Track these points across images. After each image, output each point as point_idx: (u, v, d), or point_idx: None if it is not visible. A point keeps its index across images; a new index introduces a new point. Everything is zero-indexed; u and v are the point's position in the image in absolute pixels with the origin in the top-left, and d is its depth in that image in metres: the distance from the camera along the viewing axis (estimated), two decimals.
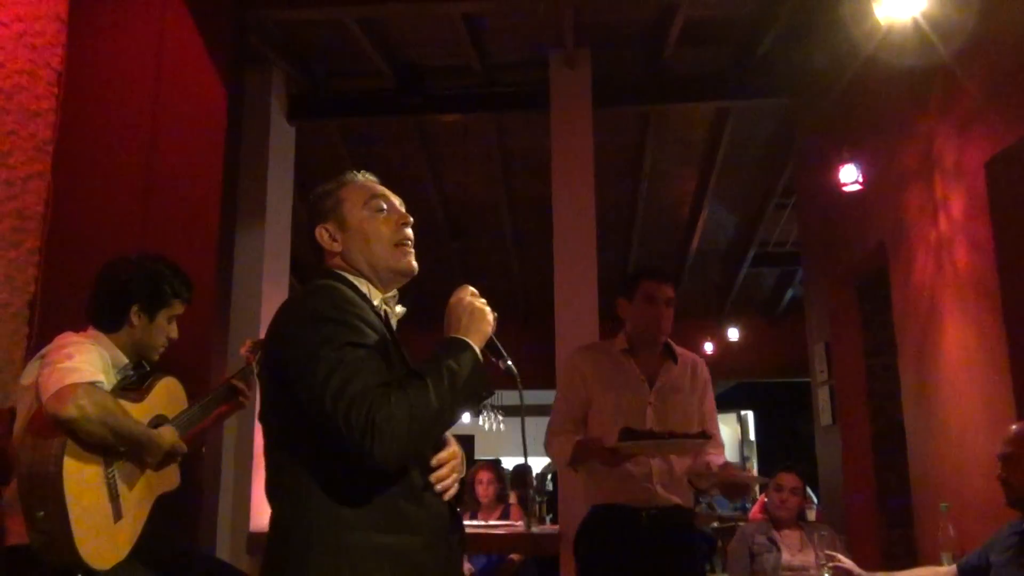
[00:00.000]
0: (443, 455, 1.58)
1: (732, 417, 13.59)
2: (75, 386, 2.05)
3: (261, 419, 1.59)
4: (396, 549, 1.46)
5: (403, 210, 1.71)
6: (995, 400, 3.21)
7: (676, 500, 2.68)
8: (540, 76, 5.08)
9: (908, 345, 4.06)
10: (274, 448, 1.54)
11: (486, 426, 11.90)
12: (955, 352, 3.56)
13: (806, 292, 5.82)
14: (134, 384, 2.34)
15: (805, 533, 3.61)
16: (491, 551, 5.16)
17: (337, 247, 1.66)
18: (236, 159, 3.69)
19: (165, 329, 2.41)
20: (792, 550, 3.57)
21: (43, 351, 2.23)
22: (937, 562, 2.88)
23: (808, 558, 3.44)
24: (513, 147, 6.33)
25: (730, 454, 9.95)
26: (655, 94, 5.39)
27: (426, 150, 6.31)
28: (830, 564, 2.78)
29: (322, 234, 1.67)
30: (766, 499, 3.80)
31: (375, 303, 1.63)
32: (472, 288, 1.62)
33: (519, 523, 5.07)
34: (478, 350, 1.53)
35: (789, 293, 9.55)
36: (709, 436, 2.54)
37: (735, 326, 9.61)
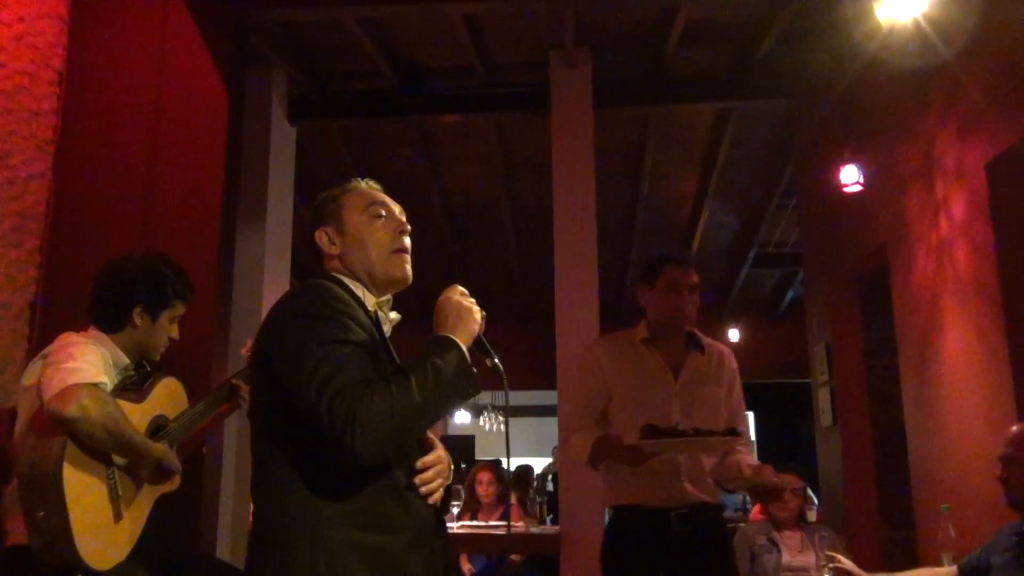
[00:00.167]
0: (429, 458, 1.59)
1: None
2: (78, 386, 2.05)
3: (249, 413, 1.61)
4: (376, 547, 1.47)
5: (403, 219, 1.73)
6: (996, 401, 3.21)
7: (705, 497, 2.50)
8: (541, 77, 5.08)
9: (909, 346, 4.06)
10: (259, 442, 1.56)
11: (487, 427, 11.91)
12: (956, 353, 3.56)
13: (807, 293, 5.82)
14: (135, 384, 2.34)
15: (805, 534, 3.61)
16: (491, 551, 5.16)
17: (335, 250, 1.68)
18: (237, 159, 3.69)
19: (167, 329, 2.41)
20: (792, 551, 3.57)
21: (45, 351, 2.23)
22: (937, 563, 2.87)
23: (808, 559, 3.44)
24: (514, 147, 6.33)
25: None
26: (656, 95, 5.39)
27: (427, 150, 6.32)
28: (830, 565, 2.77)
29: (321, 237, 1.70)
30: None
31: (368, 307, 1.65)
32: (461, 288, 1.64)
33: (519, 523, 5.07)
34: (465, 348, 1.55)
35: (790, 294, 9.55)
36: (738, 433, 2.34)
37: (736, 327, 9.60)
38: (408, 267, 1.70)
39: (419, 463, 1.58)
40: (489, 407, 12.01)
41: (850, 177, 4.37)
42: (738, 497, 6.97)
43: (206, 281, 3.09)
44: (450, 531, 4.54)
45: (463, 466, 10.10)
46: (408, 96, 5.31)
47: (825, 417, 5.10)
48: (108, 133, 3.46)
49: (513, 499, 5.79)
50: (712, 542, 2.50)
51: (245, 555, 1.54)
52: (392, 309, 1.74)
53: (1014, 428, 2.57)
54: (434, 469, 1.59)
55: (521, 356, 8.63)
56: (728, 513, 7.85)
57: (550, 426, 6.36)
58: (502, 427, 11.70)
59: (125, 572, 2.15)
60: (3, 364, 3.03)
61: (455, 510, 4.80)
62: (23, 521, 2.05)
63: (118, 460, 2.16)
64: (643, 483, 2.44)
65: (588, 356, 2.69)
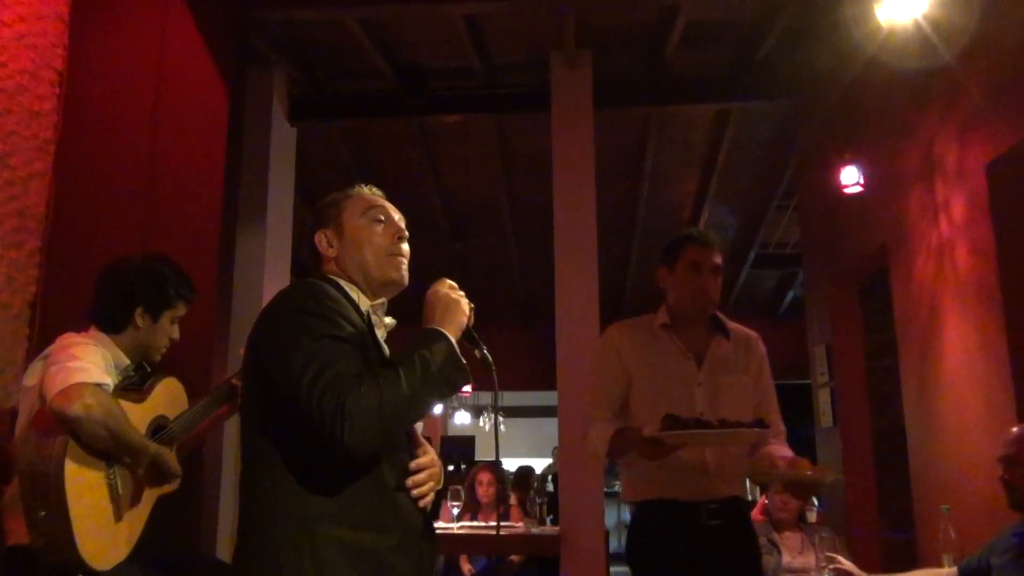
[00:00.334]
0: (423, 460, 1.60)
1: None
2: (82, 385, 2.05)
3: (240, 408, 1.61)
4: (361, 546, 1.47)
5: (402, 226, 1.74)
6: (996, 402, 3.21)
7: (734, 491, 2.37)
8: (541, 77, 5.08)
9: (909, 347, 4.06)
10: (249, 437, 1.56)
11: (486, 427, 11.91)
12: (956, 354, 3.56)
13: (807, 294, 5.82)
14: (135, 384, 2.34)
15: (806, 535, 3.61)
16: (491, 552, 5.16)
17: (332, 252, 1.70)
18: (237, 160, 3.70)
19: (168, 330, 2.41)
20: (792, 552, 3.57)
21: (46, 351, 2.23)
22: (938, 564, 2.87)
23: (808, 560, 3.44)
24: (514, 148, 6.33)
25: None
26: (656, 95, 5.39)
27: (427, 151, 6.32)
28: (831, 566, 2.77)
29: (320, 239, 1.71)
30: (767, 501, 3.80)
31: (362, 308, 1.65)
32: (450, 281, 1.66)
33: (519, 524, 5.07)
34: (453, 340, 1.56)
35: (790, 295, 9.55)
36: (767, 425, 2.18)
37: None
38: (404, 270, 1.71)
39: (412, 464, 1.58)
40: (489, 408, 12.01)
41: (850, 178, 4.37)
42: None
43: (206, 281, 3.09)
44: (450, 532, 4.57)
45: (463, 467, 10.11)
46: (408, 96, 5.31)
47: (825, 418, 5.10)
48: (109, 133, 3.46)
49: (513, 500, 5.79)
50: (742, 537, 2.39)
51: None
52: (389, 314, 1.74)
53: (1014, 429, 2.57)
54: (427, 472, 1.60)
55: (521, 357, 8.64)
56: None
57: (550, 427, 6.36)
58: (503, 428, 11.70)
59: (125, 572, 2.15)
60: (3, 364, 3.03)
61: (455, 511, 4.80)
62: (24, 521, 2.05)
63: (119, 460, 2.16)
64: (669, 477, 2.29)
65: (605, 342, 2.50)
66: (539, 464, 9.80)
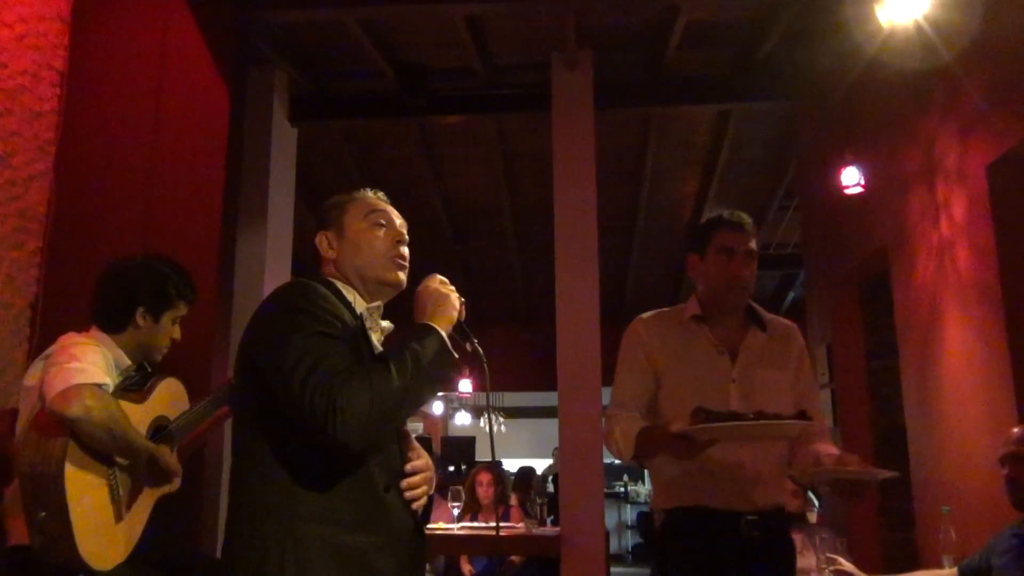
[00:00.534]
0: (418, 463, 1.61)
1: None
2: (82, 386, 2.05)
3: (232, 405, 1.61)
4: (347, 546, 1.47)
5: (403, 231, 1.75)
6: (997, 403, 3.20)
7: (778, 500, 2.18)
8: (542, 78, 5.08)
9: (909, 348, 4.06)
10: (241, 434, 1.57)
11: (487, 428, 11.89)
12: (956, 355, 3.56)
13: (808, 295, 5.83)
14: (136, 385, 2.34)
15: (806, 536, 3.61)
16: (491, 553, 5.16)
17: (332, 254, 1.71)
18: (238, 160, 3.70)
19: (169, 330, 2.42)
20: None
21: (47, 351, 2.24)
22: (938, 565, 2.87)
23: (809, 561, 3.43)
24: (515, 149, 6.34)
25: None
26: (657, 96, 5.39)
27: (428, 152, 6.32)
28: (831, 568, 2.77)
29: (321, 241, 1.72)
30: None
31: (356, 309, 1.66)
32: (441, 276, 1.68)
33: (520, 525, 5.08)
34: (444, 334, 1.57)
35: (791, 296, 9.55)
36: (809, 417, 1.91)
37: None
38: (401, 273, 1.72)
39: (408, 467, 1.59)
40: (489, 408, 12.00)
41: (851, 179, 4.37)
42: None
43: (207, 281, 3.10)
44: (450, 532, 4.57)
45: (463, 467, 10.11)
46: (409, 97, 5.31)
47: (825, 418, 5.10)
48: (110, 134, 3.47)
49: (514, 500, 5.79)
50: (781, 554, 2.18)
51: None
52: (387, 318, 1.74)
53: (1015, 430, 2.57)
54: (421, 475, 1.60)
55: (521, 357, 8.65)
56: None
57: (550, 427, 6.36)
58: (503, 428, 11.70)
59: (125, 572, 2.15)
60: (4, 364, 3.03)
61: (455, 511, 4.80)
62: (24, 521, 2.05)
63: (119, 461, 2.17)
64: (702, 482, 2.10)
65: (629, 337, 2.29)
66: (539, 465, 9.80)
